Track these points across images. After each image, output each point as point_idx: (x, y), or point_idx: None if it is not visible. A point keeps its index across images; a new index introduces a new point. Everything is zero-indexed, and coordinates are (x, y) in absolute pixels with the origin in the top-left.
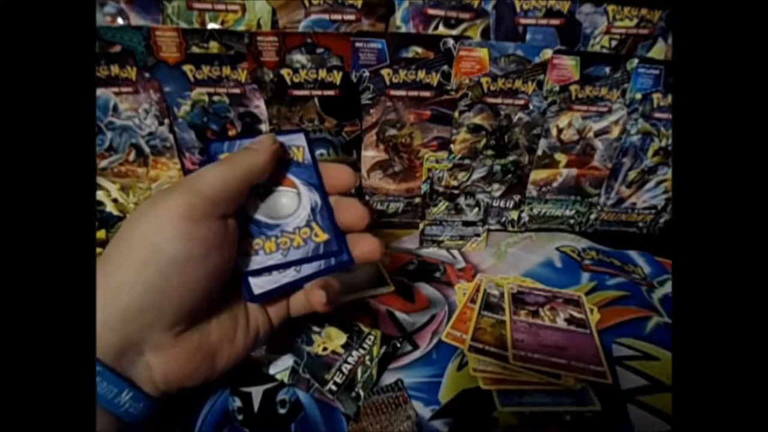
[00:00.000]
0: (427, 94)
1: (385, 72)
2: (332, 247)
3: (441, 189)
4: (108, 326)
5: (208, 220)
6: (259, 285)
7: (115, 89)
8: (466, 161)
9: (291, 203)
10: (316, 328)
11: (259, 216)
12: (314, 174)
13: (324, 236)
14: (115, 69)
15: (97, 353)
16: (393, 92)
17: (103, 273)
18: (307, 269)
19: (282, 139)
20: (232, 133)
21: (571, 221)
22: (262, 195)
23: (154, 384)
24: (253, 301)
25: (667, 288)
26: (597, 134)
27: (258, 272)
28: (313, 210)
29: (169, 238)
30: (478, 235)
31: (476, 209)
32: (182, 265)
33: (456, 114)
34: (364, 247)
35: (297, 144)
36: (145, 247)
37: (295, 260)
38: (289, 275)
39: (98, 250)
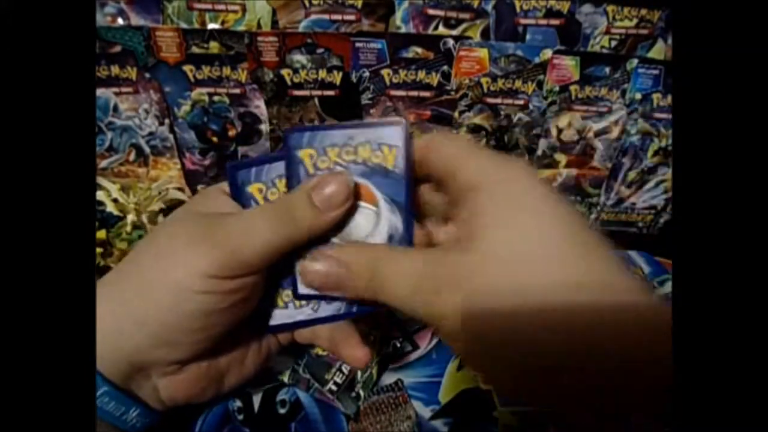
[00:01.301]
0: (427, 94)
1: (385, 72)
2: (365, 306)
3: None
4: (122, 352)
5: (240, 279)
6: (275, 317)
7: (116, 89)
8: None
9: (365, 225)
10: None
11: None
12: (403, 188)
13: None
14: (115, 69)
15: (107, 373)
16: (393, 92)
17: (122, 297)
18: (326, 310)
19: (370, 135)
20: (232, 133)
21: None
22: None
23: (160, 402)
24: (265, 332)
25: (667, 288)
26: (597, 134)
27: (285, 327)
28: (390, 239)
29: (197, 290)
30: None
31: None
32: (207, 315)
33: (456, 114)
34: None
35: (390, 143)
36: (171, 291)
37: (325, 317)
38: (305, 312)
39: (98, 249)
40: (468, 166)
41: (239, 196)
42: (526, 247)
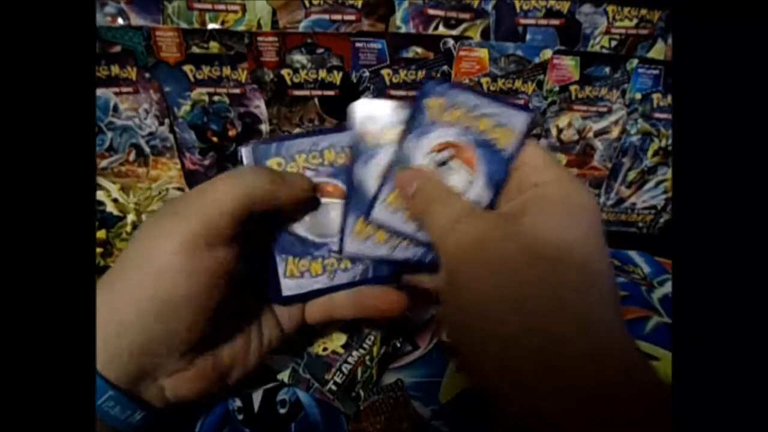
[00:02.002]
0: None
1: (385, 72)
2: (382, 271)
3: None
4: (128, 354)
5: (217, 249)
6: (289, 287)
7: (116, 89)
8: None
9: (460, 184)
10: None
11: (305, 233)
12: (505, 169)
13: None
14: (115, 69)
15: (115, 378)
16: (393, 92)
17: (121, 298)
18: (340, 278)
19: (333, 139)
20: (232, 133)
21: None
22: (310, 207)
23: (165, 401)
24: (278, 302)
25: (667, 288)
26: (597, 134)
27: (300, 297)
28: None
29: (183, 269)
30: None
31: None
32: (197, 295)
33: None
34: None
35: (512, 126)
36: (159, 277)
37: (341, 284)
38: (321, 281)
39: (98, 249)
40: (544, 166)
41: (417, 107)
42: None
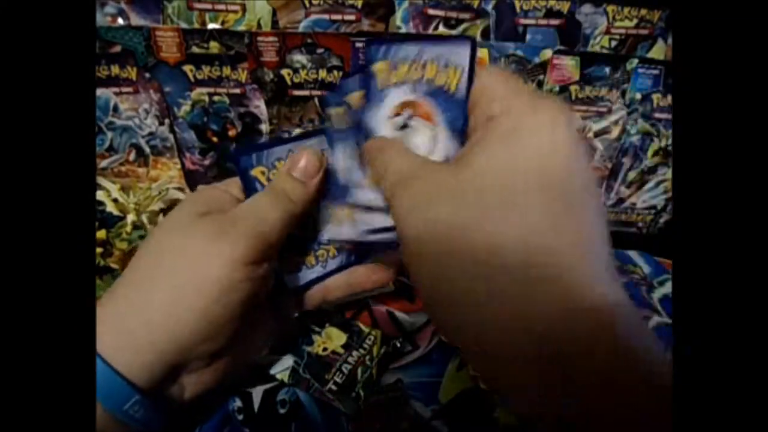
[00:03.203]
0: None
1: None
2: (362, 250)
3: None
4: (157, 348)
5: (268, 262)
6: (291, 281)
7: (116, 89)
8: None
9: (423, 143)
10: (316, 328)
11: (295, 232)
12: (462, 113)
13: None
14: (115, 69)
15: (144, 382)
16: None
17: (151, 304)
18: (332, 264)
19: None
20: (232, 133)
21: None
22: None
23: (183, 401)
24: (289, 295)
25: (667, 288)
26: (597, 134)
27: (305, 287)
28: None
29: (237, 280)
30: None
31: None
32: (244, 303)
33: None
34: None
35: (457, 63)
36: (211, 287)
37: (333, 269)
38: (317, 271)
39: (98, 249)
40: (496, 97)
41: (245, 180)
42: (509, 183)
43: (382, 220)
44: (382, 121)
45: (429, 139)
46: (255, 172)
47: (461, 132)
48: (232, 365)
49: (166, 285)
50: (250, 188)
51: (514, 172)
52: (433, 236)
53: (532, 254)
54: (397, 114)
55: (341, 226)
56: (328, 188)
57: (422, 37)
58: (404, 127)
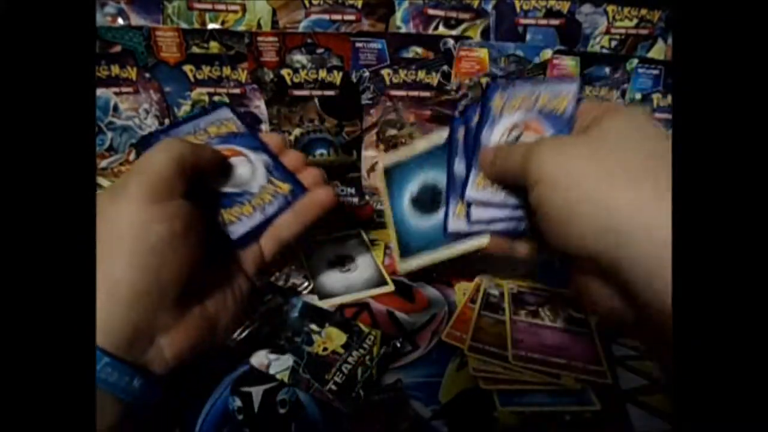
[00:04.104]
0: (427, 94)
1: (385, 72)
2: (297, 192)
3: None
4: (116, 316)
5: (173, 199)
6: (233, 232)
7: (116, 89)
8: None
9: (246, 169)
10: (316, 328)
11: (226, 189)
12: (254, 138)
13: (286, 186)
14: (115, 69)
15: (109, 344)
16: (393, 92)
17: (106, 257)
18: (270, 209)
19: (210, 119)
20: None
21: None
22: (221, 172)
23: (165, 363)
24: (235, 247)
25: None
26: None
27: (248, 234)
28: (267, 169)
29: (147, 220)
30: None
31: None
32: (169, 243)
33: (456, 114)
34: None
35: (226, 118)
36: (128, 233)
37: (274, 213)
38: (257, 218)
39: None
40: (597, 107)
41: (483, 110)
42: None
43: (494, 213)
44: (495, 139)
45: (247, 165)
46: (493, 104)
47: (261, 148)
48: (205, 325)
49: (107, 238)
50: None
51: (626, 145)
52: (566, 177)
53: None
54: (510, 131)
55: (459, 219)
56: (449, 186)
57: (538, 80)
58: (516, 140)
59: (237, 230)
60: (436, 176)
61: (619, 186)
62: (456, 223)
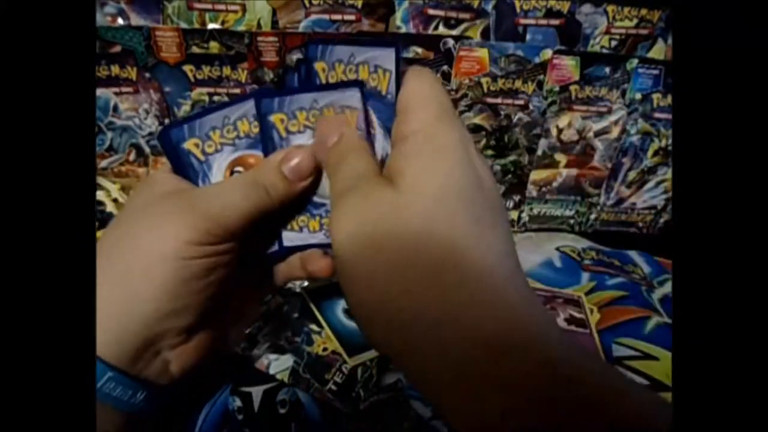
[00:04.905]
0: None
1: None
2: None
3: None
4: (129, 331)
5: (222, 242)
6: (289, 239)
7: (116, 89)
8: None
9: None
10: (316, 328)
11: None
12: (393, 114)
13: None
14: (115, 69)
15: (115, 358)
16: None
17: (116, 277)
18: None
19: (332, 98)
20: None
21: (571, 221)
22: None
23: (171, 377)
24: (278, 254)
25: (667, 288)
26: (597, 134)
27: (300, 248)
28: (382, 162)
29: (187, 256)
30: None
31: None
32: (207, 275)
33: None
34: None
35: (350, 105)
36: (161, 261)
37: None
38: (318, 237)
39: None
40: (416, 113)
41: (175, 158)
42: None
43: None
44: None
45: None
46: (188, 145)
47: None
48: (215, 340)
49: (128, 260)
50: (180, 164)
51: (436, 194)
52: (363, 251)
53: (455, 259)
54: None
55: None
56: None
57: (355, 40)
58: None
59: (292, 238)
60: None
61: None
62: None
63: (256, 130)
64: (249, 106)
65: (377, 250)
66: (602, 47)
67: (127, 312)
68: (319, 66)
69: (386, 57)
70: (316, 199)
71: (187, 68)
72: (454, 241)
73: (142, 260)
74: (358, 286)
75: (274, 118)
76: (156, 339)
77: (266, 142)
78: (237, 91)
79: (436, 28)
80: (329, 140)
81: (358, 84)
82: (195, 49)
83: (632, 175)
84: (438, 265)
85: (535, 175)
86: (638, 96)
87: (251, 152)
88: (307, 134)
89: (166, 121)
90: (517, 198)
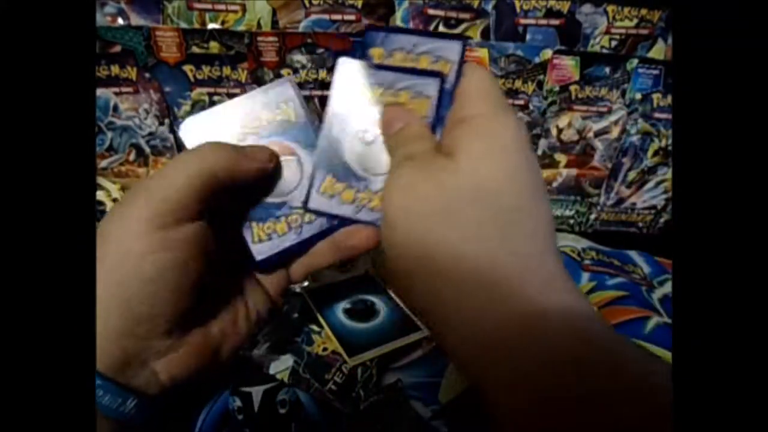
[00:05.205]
0: None
1: None
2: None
3: None
4: (108, 339)
5: (183, 224)
6: (260, 251)
7: (116, 89)
8: None
9: (293, 174)
10: (316, 328)
11: (265, 199)
12: (312, 132)
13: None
14: (115, 69)
15: (100, 366)
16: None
17: (98, 284)
18: (308, 231)
19: (264, 96)
20: None
21: (571, 221)
22: (264, 180)
23: (161, 386)
24: (257, 269)
25: (667, 288)
26: (597, 134)
27: (274, 258)
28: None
29: (147, 250)
30: None
31: None
32: (170, 271)
33: None
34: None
35: (285, 99)
36: (124, 260)
37: (311, 237)
38: (290, 239)
39: None
40: (477, 101)
41: (362, 56)
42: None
43: (372, 212)
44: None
45: (296, 168)
46: (372, 51)
47: (443, 120)
48: (207, 349)
49: (102, 262)
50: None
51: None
52: (414, 250)
53: (482, 264)
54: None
55: (329, 199)
56: (322, 155)
57: (422, 32)
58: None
59: (263, 251)
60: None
61: (470, 247)
62: (317, 201)
63: (279, 117)
64: (279, 93)
65: (432, 212)
66: (602, 47)
67: (101, 321)
68: (375, 52)
69: (452, 49)
70: (274, 199)
71: (187, 68)
72: (515, 203)
73: (108, 261)
74: (405, 243)
75: (373, 51)
76: (137, 347)
77: None
78: (237, 91)
79: (436, 28)
80: (394, 125)
81: (439, 75)
82: (195, 49)
83: (632, 175)
84: (499, 218)
85: None
86: (638, 96)
87: (275, 140)
88: None
89: (166, 121)
90: None
